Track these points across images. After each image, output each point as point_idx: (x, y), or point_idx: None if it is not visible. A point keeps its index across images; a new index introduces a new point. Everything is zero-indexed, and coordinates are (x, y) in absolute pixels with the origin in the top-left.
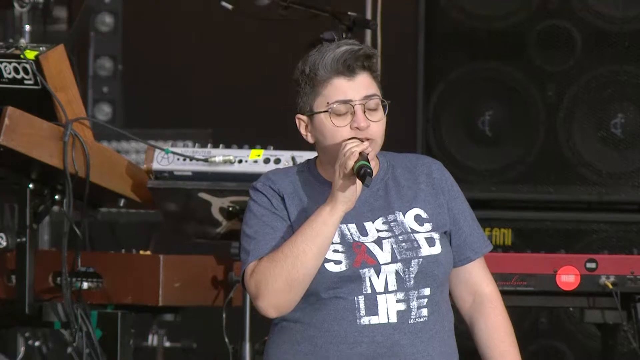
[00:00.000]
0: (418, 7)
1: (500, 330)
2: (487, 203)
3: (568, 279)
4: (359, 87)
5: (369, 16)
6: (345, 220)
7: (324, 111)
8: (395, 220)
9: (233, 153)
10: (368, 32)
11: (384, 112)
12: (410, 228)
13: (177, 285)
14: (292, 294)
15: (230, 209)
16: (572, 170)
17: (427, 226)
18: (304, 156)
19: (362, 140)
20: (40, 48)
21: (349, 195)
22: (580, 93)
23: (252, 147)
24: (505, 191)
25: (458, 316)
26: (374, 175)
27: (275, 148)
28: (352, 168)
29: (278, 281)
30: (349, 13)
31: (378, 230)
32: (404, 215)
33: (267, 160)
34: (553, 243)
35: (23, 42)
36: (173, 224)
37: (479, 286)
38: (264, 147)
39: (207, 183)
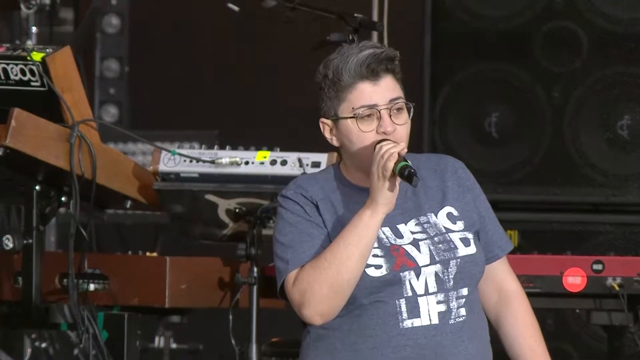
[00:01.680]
0: (424, 9)
1: (528, 325)
2: (493, 204)
3: (574, 280)
4: (384, 91)
5: (375, 18)
6: None
7: (350, 117)
8: (428, 221)
9: (239, 154)
10: (374, 34)
11: (409, 115)
12: (444, 227)
13: (184, 287)
14: (337, 299)
15: (237, 210)
16: (579, 171)
17: (460, 224)
18: (310, 157)
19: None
20: (47, 50)
21: (389, 197)
22: (586, 94)
23: (258, 148)
24: (511, 192)
25: None
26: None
27: (282, 149)
28: (393, 170)
29: (323, 288)
30: (356, 15)
31: (412, 232)
32: (436, 216)
33: (273, 162)
34: (559, 244)
35: (30, 43)
36: (179, 226)
37: (504, 283)
38: (271, 149)
39: (213, 185)
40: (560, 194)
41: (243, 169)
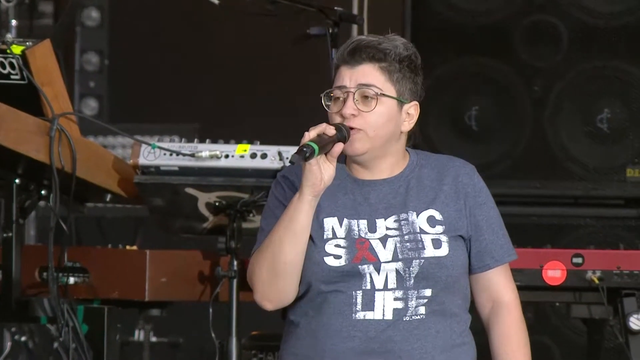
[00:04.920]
0: (404, 2)
1: (512, 339)
2: None
3: (554, 274)
4: (357, 75)
5: (355, 11)
6: (358, 215)
7: (323, 96)
8: (406, 219)
9: (219, 148)
10: (354, 27)
11: (401, 106)
12: (420, 228)
13: (164, 280)
14: (277, 284)
15: (217, 204)
16: (559, 165)
17: (439, 228)
18: (290, 151)
19: (342, 127)
20: (27, 43)
21: (311, 179)
22: (566, 88)
23: (238, 141)
24: (491, 186)
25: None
26: (399, 172)
27: (262, 143)
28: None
29: (263, 272)
30: (336, 8)
31: (387, 228)
32: (417, 216)
33: (253, 155)
34: (539, 238)
35: (9, 36)
36: (159, 219)
37: (499, 294)
38: (251, 142)
39: (193, 178)
40: (541, 187)
41: (223, 163)
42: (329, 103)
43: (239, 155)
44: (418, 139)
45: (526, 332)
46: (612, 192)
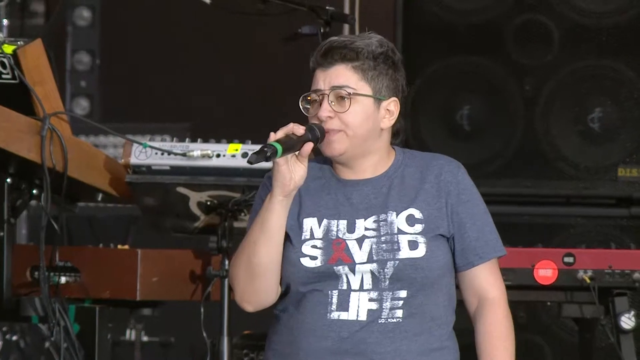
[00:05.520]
0: (396, 1)
1: (493, 334)
2: None
3: (546, 273)
4: (330, 77)
5: (347, 10)
6: (339, 216)
7: (301, 100)
8: (385, 220)
9: (211, 147)
10: (346, 27)
11: (377, 104)
12: (398, 229)
13: (155, 280)
14: (254, 285)
15: (209, 203)
16: (550, 164)
17: (418, 227)
18: None
19: (314, 127)
20: (18, 42)
21: (280, 179)
22: (558, 87)
23: (230, 141)
24: (483, 185)
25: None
26: (383, 172)
27: (254, 142)
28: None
29: (240, 273)
30: (327, 7)
31: (366, 229)
32: (396, 216)
33: (245, 155)
34: (531, 237)
35: (1, 36)
36: (151, 219)
37: (485, 291)
38: (242, 142)
39: (185, 177)
40: (532, 186)
41: (214, 162)
42: (307, 106)
43: (230, 154)
44: (403, 137)
45: (510, 328)
46: (603, 191)
